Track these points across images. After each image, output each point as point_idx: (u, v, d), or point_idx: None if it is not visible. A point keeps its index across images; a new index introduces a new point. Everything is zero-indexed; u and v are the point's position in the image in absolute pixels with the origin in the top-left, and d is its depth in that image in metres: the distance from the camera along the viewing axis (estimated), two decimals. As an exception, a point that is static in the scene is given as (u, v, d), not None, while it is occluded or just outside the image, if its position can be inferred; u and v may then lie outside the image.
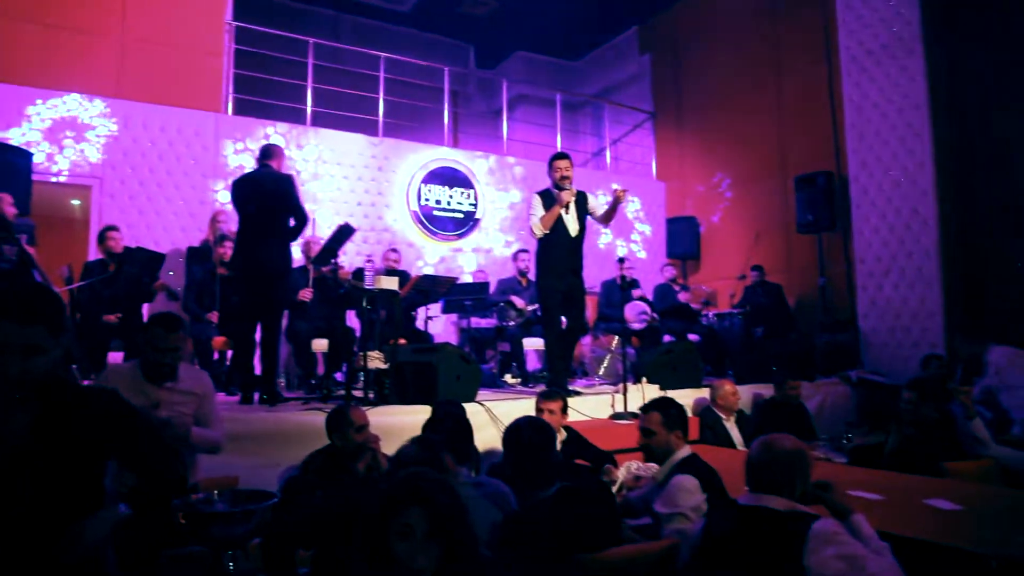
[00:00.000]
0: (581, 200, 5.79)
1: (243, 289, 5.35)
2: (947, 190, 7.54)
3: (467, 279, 8.47)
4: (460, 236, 9.20)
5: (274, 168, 5.30)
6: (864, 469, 4.33)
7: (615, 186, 5.66)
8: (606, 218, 5.83)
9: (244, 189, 5.24)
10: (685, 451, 3.21)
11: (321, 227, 7.24)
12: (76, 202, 8.46)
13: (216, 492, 2.94)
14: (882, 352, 7.86)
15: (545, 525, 2.41)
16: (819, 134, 8.83)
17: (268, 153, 5.39)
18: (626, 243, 10.53)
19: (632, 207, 10.66)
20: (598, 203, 5.90)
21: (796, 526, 2.15)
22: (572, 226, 5.70)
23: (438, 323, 8.26)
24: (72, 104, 7.09)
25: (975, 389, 5.09)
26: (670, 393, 5.87)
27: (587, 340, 7.81)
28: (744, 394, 6.58)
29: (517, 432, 2.83)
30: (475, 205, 9.32)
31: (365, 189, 8.60)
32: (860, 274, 8.14)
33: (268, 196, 5.14)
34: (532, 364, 7.48)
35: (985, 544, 2.45)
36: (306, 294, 6.19)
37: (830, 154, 8.64)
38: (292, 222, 5.23)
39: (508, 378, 7.27)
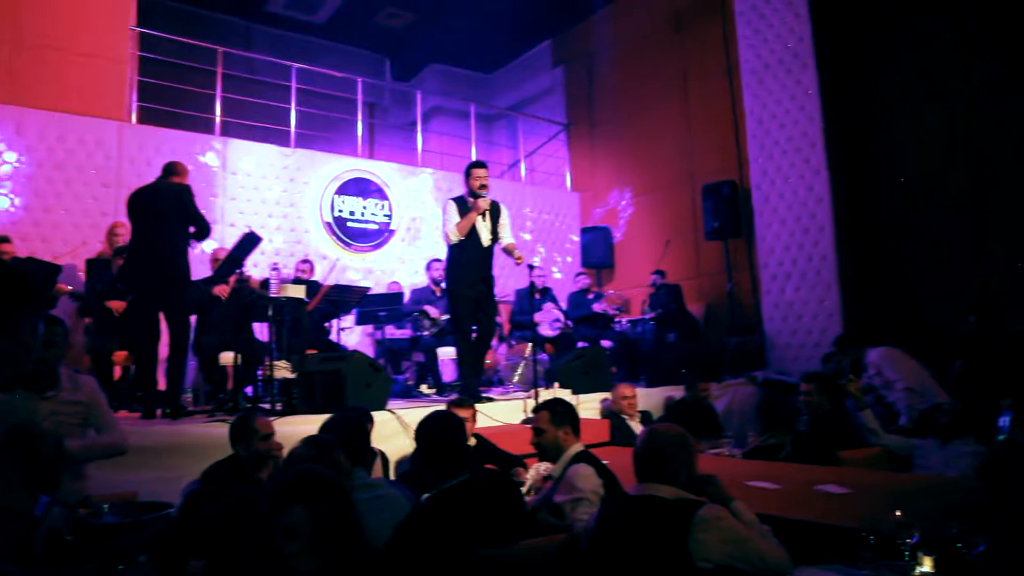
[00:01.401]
0: (495, 211, 5.84)
1: (138, 300, 5.19)
2: (842, 197, 7.90)
3: (382, 290, 8.41)
4: (375, 247, 9.13)
5: (174, 182, 5.18)
6: (764, 462, 4.51)
7: (518, 259, 5.79)
8: (505, 251, 5.91)
9: (138, 200, 5.13)
10: (577, 446, 3.29)
11: (232, 239, 7.08)
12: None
13: (107, 505, 2.85)
14: (786, 353, 8.16)
15: (448, 517, 2.42)
16: (724, 145, 9.14)
17: (172, 170, 5.28)
18: (547, 252, 10.66)
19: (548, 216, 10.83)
20: (508, 222, 5.96)
21: (682, 513, 2.22)
22: (485, 235, 5.74)
23: (353, 335, 8.16)
24: (-40, 111, 6.76)
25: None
26: (582, 397, 6.00)
27: (502, 348, 7.86)
28: (656, 397, 6.77)
29: (427, 423, 2.83)
30: (389, 216, 9.28)
31: (277, 200, 8.46)
32: (764, 278, 8.45)
33: (162, 206, 5.03)
34: (449, 373, 7.47)
35: (864, 522, 2.58)
36: (223, 290, 6.03)
37: (734, 164, 8.96)
38: (192, 231, 5.12)
39: (424, 388, 7.25)
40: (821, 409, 4.84)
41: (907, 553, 2.33)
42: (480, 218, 5.67)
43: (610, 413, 5.81)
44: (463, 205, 5.72)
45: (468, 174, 5.79)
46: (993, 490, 2.52)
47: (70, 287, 6.46)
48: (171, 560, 2.48)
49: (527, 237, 10.55)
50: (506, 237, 5.88)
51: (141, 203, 5.08)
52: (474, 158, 10.37)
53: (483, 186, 5.69)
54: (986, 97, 7.00)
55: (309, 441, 2.86)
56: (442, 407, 5.09)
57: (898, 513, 2.40)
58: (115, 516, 2.79)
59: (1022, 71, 6.74)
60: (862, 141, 7.99)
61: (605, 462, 3.30)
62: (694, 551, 2.14)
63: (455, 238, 5.65)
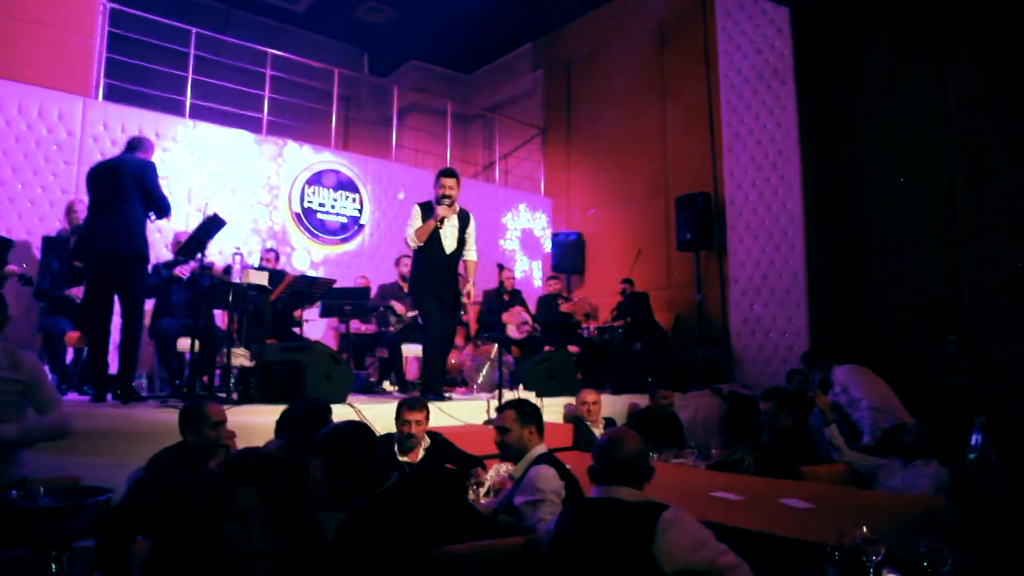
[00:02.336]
0: (464, 220, 5.80)
1: (93, 278, 5.00)
2: (815, 215, 7.95)
3: (348, 284, 8.26)
4: (344, 240, 8.98)
5: (137, 157, 5.01)
6: (727, 474, 4.46)
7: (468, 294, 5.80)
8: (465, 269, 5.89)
9: (97, 174, 4.95)
10: (541, 448, 3.21)
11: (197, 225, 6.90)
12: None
13: (42, 488, 2.69)
14: (752, 368, 8.17)
15: (389, 517, 2.32)
16: (699, 156, 9.15)
17: (135, 145, 5.12)
18: (520, 254, 10.59)
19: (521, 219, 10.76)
20: (473, 234, 5.90)
21: (645, 515, 2.16)
22: (448, 243, 5.69)
23: (318, 328, 8.01)
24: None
25: None
26: (546, 401, 5.91)
27: (468, 349, 7.76)
28: (621, 404, 6.71)
29: (344, 440, 2.63)
30: (360, 210, 9.14)
31: (245, 188, 8.27)
32: (734, 292, 8.45)
33: (122, 181, 4.85)
34: (413, 371, 7.35)
35: (829, 537, 2.52)
36: (183, 270, 5.85)
37: (709, 176, 8.96)
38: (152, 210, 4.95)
39: (386, 385, 7.11)
40: (782, 425, 4.81)
41: (872, 570, 2.29)
42: (440, 225, 5.62)
43: (573, 418, 5.74)
44: (428, 210, 5.67)
45: (436, 180, 5.74)
46: (961, 508, 2.48)
47: (23, 265, 6.22)
48: (116, 538, 2.31)
49: (505, 244, 10.51)
50: (469, 252, 5.86)
51: (101, 177, 4.90)
52: (448, 157, 10.31)
53: (447, 196, 5.63)
54: (961, 115, 7.08)
55: (287, 440, 2.75)
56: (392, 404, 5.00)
57: (864, 529, 2.35)
58: (51, 500, 2.64)
59: (997, 88, 6.83)
60: (837, 158, 8.04)
61: (567, 467, 3.22)
62: (658, 555, 2.07)
63: (413, 244, 5.65)
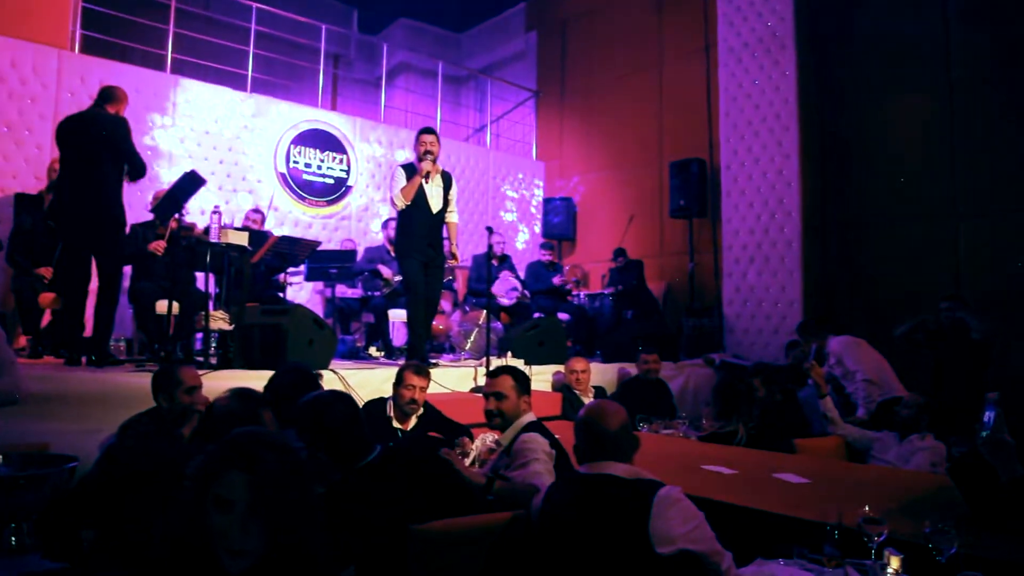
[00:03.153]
0: (447, 181, 5.73)
1: (67, 238, 4.81)
2: (812, 183, 7.81)
3: (335, 247, 8.09)
4: (330, 202, 8.78)
5: (109, 112, 4.78)
6: (719, 445, 4.38)
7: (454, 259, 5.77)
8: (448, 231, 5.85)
9: (69, 129, 4.71)
10: (530, 416, 3.08)
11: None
12: None
13: (1, 456, 2.55)
14: (744, 337, 8.07)
15: (372, 491, 2.19)
16: (695, 122, 8.98)
17: (108, 96, 4.87)
18: (510, 217, 10.42)
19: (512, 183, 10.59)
20: (455, 197, 5.84)
21: (641, 493, 2.06)
22: (434, 202, 5.60)
23: (303, 292, 7.86)
24: None
25: None
26: (535, 368, 5.80)
27: (456, 315, 7.62)
28: (611, 373, 6.62)
29: (326, 409, 2.49)
30: (347, 171, 8.92)
31: (228, 147, 8.02)
32: (727, 261, 8.33)
33: (95, 139, 4.63)
34: (400, 337, 7.21)
35: (827, 515, 2.42)
36: (158, 246, 5.67)
37: (704, 142, 8.80)
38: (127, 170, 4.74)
39: (373, 351, 6.98)
40: (772, 400, 4.72)
41: (874, 550, 2.19)
42: (425, 181, 5.55)
43: (562, 387, 5.64)
44: (411, 171, 5.59)
45: (416, 139, 5.67)
46: (967, 489, 2.37)
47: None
48: (60, 521, 2.16)
49: (496, 209, 10.31)
50: (451, 214, 5.81)
51: (71, 134, 4.68)
52: (439, 118, 10.08)
53: (428, 152, 5.55)
54: (966, 87, 6.93)
55: (235, 393, 2.59)
56: (389, 370, 4.87)
57: (867, 508, 2.25)
58: (9, 469, 2.50)
59: (1005, 61, 6.68)
60: (837, 127, 7.89)
61: (556, 436, 3.10)
62: (652, 535, 1.95)
63: (400, 204, 5.53)
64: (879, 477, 3.60)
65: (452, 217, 5.81)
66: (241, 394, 2.59)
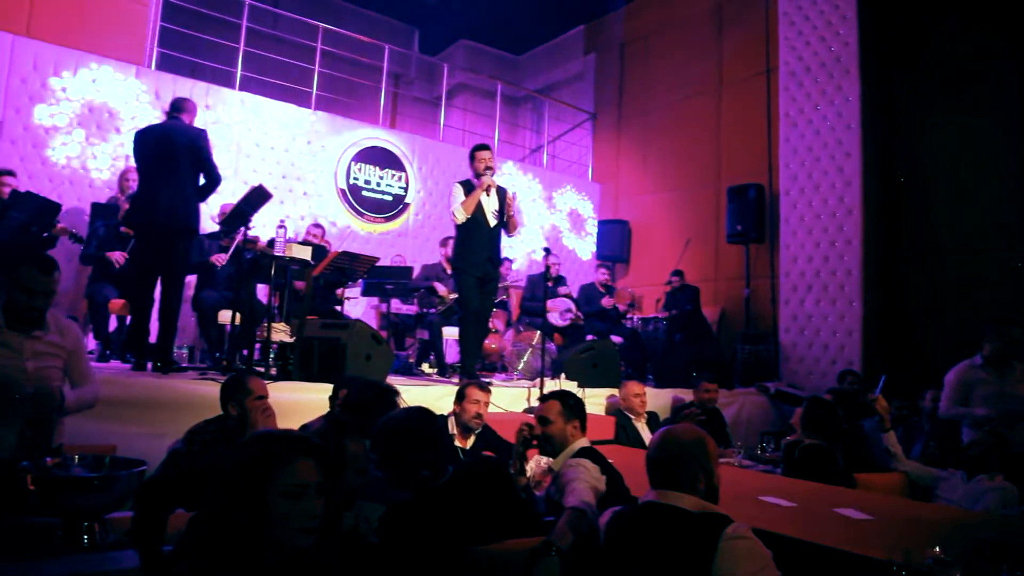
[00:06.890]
0: (502, 196, 5.78)
1: (141, 246, 4.97)
2: (873, 212, 7.65)
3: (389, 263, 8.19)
4: (388, 219, 8.91)
5: (184, 122, 4.95)
6: (774, 476, 4.29)
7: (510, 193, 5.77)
8: (509, 227, 5.82)
9: (147, 140, 4.87)
10: (583, 441, 3.03)
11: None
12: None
13: (77, 456, 2.64)
14: (799, 366, 7.92)
15: (439, 513, 2.20)
16: (754, 146, 8.88)
17: (179, 107, 5.03)
18: (563, 233, 10.44)
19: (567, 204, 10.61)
20: (516, 203, 5.91)
21: (708, 528, 1.97)
22: (491, 217, 5.66)
23: (359, 306, 7.97)
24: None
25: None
26: (588, 392, 5.77)
27: (509, 334, 7.64)
28: (664, 398, 6.54)
29: (411, 432, 2.43)
30: (406, 188, 9.05)
31: (291, 162, 8.22)
32: (784, 287, 8.19)
33: (174, 149, 4.77)
34: (453, 354, 7.26)
35: (891, 553, 2.36)
36: (220, 259, 5.83)
37: (764, 167, 8.69)
38: (202, 180, 4.88)
39: (425, 367, 7.03)
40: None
41: (944, 595, 2.11)
42: (485, 194, 5.62)
43: (616, 411, 5.59)
44: (469, 187, 5.68)
45: (472, 156, 5.76)
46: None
47: (73, 229, 6.25)
48: (153, 508, 2.22)
49: (552, 226, 10.35)
50: (519, 215, 5.90)
51: (150, 144, 4.84)
52: (497, 139, 10.17)
53: (488, 168, 5.64)
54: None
55: (328, 421, 2.65)
56: (442, 388, 4.90)
57: (937, 549, 2.18)
58: (84, 470, 2.59)
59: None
60: (901, 155, 7.72)
61: (610, 461, 3.07)
62: (716, 573, 1.90)
63: (461, 217, 5.60)
64: (947, 517, 3.47)
65: (518, 219, 5.89)
66: (333, 420, 2.65)
